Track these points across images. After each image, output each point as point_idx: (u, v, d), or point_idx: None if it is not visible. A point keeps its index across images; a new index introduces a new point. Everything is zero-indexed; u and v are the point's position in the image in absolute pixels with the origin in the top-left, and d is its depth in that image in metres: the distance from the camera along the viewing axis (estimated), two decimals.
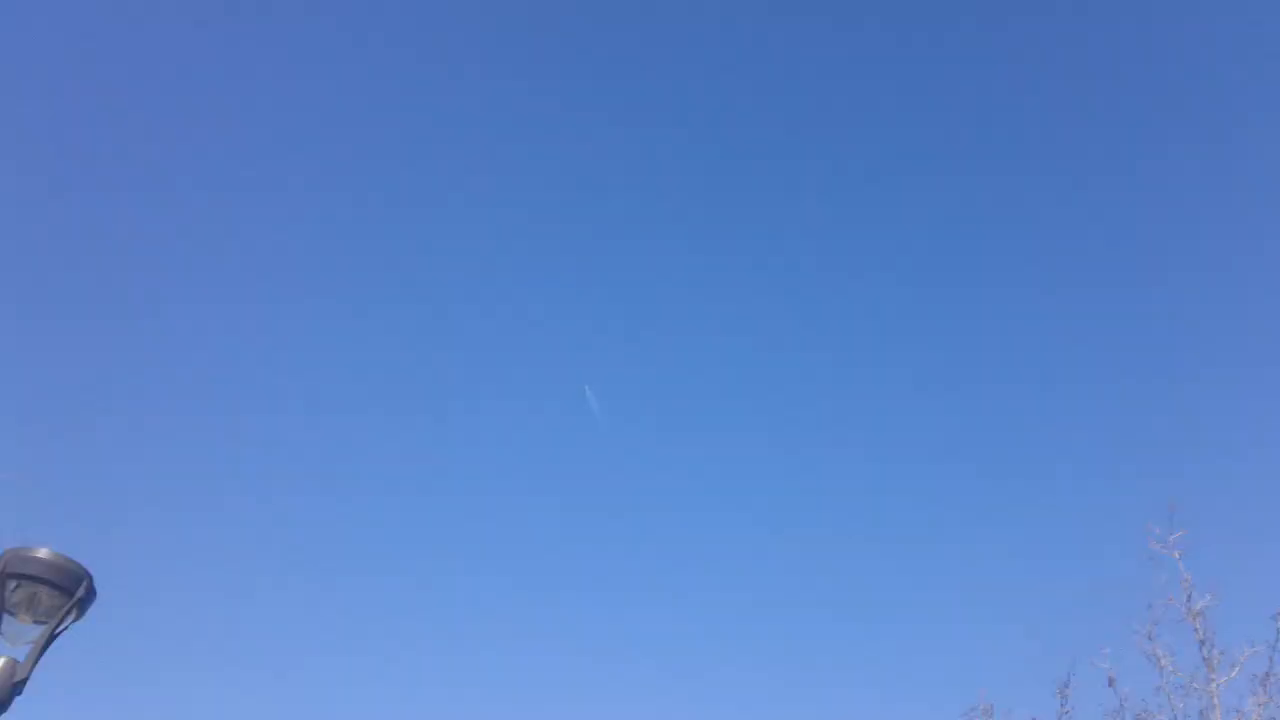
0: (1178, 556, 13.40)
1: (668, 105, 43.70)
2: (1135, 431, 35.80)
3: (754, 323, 42.57)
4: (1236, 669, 12.88)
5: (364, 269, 40.86)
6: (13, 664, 5.70)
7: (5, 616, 5.75)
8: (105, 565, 5.91)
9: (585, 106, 43.45)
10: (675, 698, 29.69)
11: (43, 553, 5.82)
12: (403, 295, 40.79)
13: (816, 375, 41.75)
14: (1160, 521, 13.58)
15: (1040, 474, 36.03)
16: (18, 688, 5.68)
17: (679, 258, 43.08)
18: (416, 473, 39.04)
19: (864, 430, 39.16)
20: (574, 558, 36.92)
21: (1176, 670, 13.00)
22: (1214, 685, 12.87)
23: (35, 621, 5.80)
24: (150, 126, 39.40)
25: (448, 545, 36.86)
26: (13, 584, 5.75)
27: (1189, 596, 13.18)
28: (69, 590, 5.81)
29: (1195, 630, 13.08)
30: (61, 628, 5.85)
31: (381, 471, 38.52)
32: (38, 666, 5.75)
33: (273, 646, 31.95)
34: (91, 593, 5.94)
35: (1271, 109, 37.40)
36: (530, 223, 42.10)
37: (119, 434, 36.42)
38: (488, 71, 42.01)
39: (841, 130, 43.81)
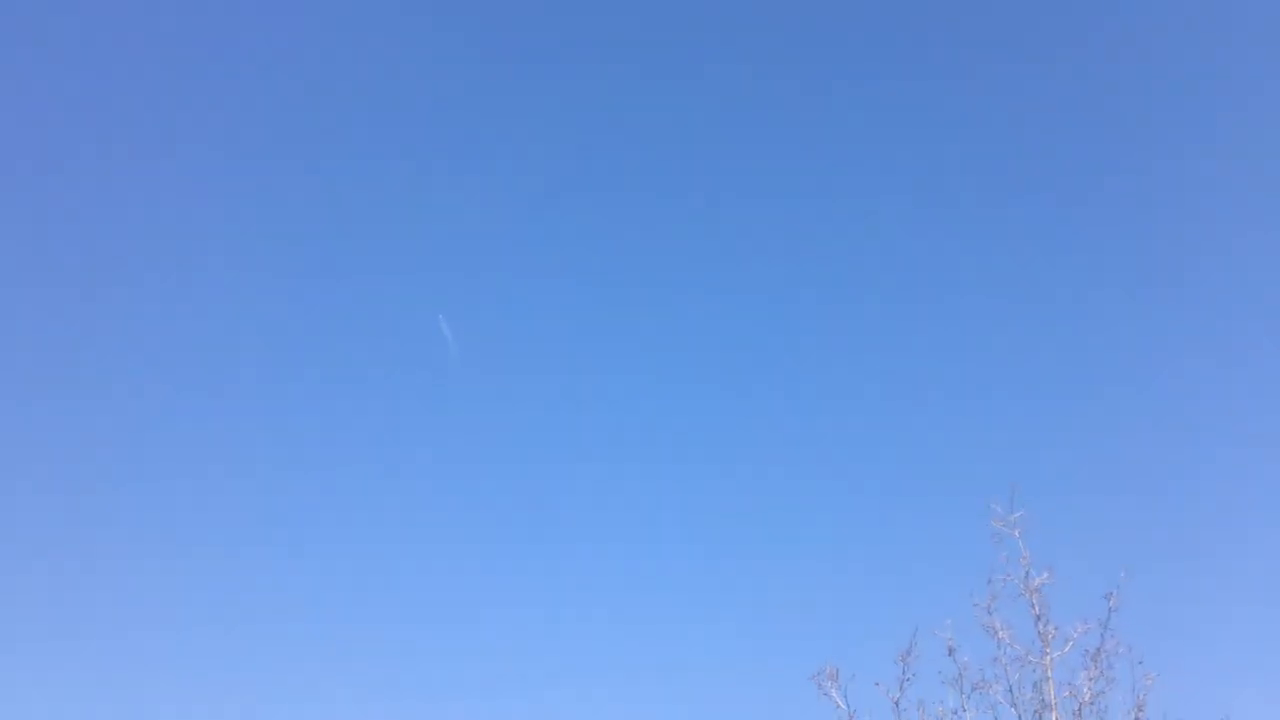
0: (1017, 535, 13.88)
1: None
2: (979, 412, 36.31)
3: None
4: (1070, 644, 13.38)
5: None
6: None
7: None
8: None
9: None
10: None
11: None
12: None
13: None
14: (1002, 500, 14.04)
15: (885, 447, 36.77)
16: None
17: None
18: None
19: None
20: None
21: (1013, 643, 13.46)
22: (1048, 659, 13.39)
23: None
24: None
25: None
26: None
27: (1027, 573, 13.68)
28: None
29: (1032, 606, 13.58)
30: None
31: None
32: None
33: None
34: None
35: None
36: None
37: None
38: None
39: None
